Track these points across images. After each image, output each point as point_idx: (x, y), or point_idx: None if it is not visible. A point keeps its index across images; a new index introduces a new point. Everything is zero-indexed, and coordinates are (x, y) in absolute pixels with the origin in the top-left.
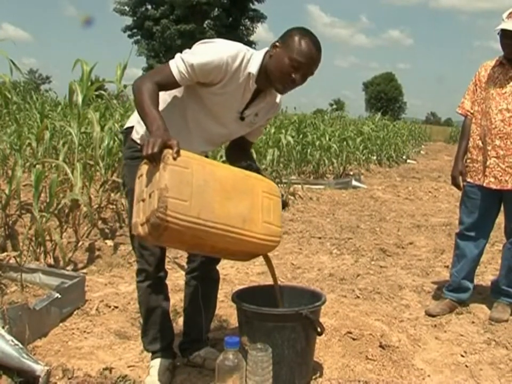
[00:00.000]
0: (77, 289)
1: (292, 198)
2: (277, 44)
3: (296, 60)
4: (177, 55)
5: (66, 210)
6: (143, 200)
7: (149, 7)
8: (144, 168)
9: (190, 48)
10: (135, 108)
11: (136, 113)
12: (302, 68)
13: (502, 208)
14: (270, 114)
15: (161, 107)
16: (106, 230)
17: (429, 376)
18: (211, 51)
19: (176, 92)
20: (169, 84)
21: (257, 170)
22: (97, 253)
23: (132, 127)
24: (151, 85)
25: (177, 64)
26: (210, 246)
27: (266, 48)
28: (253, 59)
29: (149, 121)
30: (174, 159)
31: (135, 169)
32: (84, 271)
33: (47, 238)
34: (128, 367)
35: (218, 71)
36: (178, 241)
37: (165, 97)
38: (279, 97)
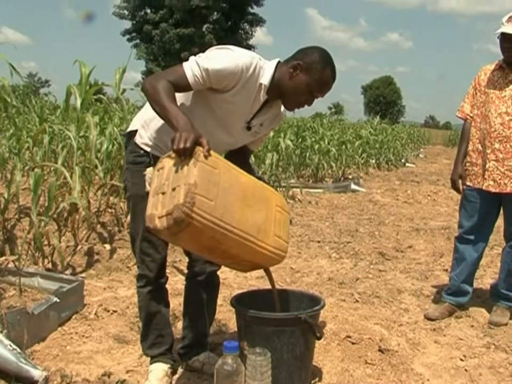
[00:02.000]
0: (75, 293)
1: (291, 201)
2: (299, 65)
3: (315, 89)
4: (192, 58)
5: (65, 214)
6: (163, 193)
7: (148, 11)
8: (166, 161)
9: (189, 51)
10: (141, 110)
11: (140, 116)
12: (318, 95)
13: (501, 212)
14: (274, 124)
15: None
16: (105, 234)
17: (428, 380)
18: (226, 57)
19: (184, 99)
20: (181, 86)
21: (260, 179)
22: (95, 257)
23: (135, 131)
24: (166, 82)
25: (192, 67)
26: (223, 251)
27: (278, 59)
28: (265, 70)
29: (172, 117)
30: (205, 157)
31: (138, 174)
32: (83, 275)
33: (46, 242)
34: (127, 371)
35: (232, 78)
36: (194, 240)
37: None
38: (283, 107)
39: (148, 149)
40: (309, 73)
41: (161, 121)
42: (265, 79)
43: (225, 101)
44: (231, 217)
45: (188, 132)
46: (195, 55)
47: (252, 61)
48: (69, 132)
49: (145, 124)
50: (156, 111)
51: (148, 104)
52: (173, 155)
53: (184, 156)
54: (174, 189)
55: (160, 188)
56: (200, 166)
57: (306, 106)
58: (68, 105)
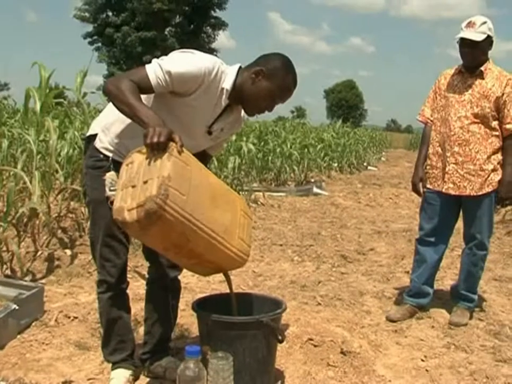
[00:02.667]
0: (35, 300)
1: (254, 205)
2: (261, 71)
3: (277, 95)
4: (154, 61)
5: (25, 220)
6: (133, 186)
7: (110, 13)
8: (136, 156)
9: (151, 55)
10: (100, 114)
11: (99, 120)
12: (279, 101)
13: (461, 214)
14: (233, 129)
15: (127, 119)
16: (66, 239)
17: (390, 381)
18: (189, 61)
19: (145, 102)
20: (143, 87)
21: None
22: (56, 262)
23: (95, 135)
24: (130, 82)
25: (155, 70)
26: (190, 249)
27: (239, 64)
28: (227, 74)
29: (142, 114)
30: (179, 152)
31: (97, 179)
32: (43, 281)
33: (4, 248)
34: (88, 379)
35: (195, 82)
36: (163, 236)
37: None
38: (243, 112)
39: (108, 154)
40: (271, 79)
41: (122, 126)
42: (227, 83)
43: (186, 104)
44: (201, 214)
45: (161, 127)
46: (158, 58)
47: (214, 65)
48: (29, 136)
49: (105, 128)
50: (122, 110)
51: (107, 108)
52: (144, 150)
53: (157, 150)
54: (145, 182)
55: (130, 181)
56: (173, 161)
57: (266, 112)
58: (27, 109)
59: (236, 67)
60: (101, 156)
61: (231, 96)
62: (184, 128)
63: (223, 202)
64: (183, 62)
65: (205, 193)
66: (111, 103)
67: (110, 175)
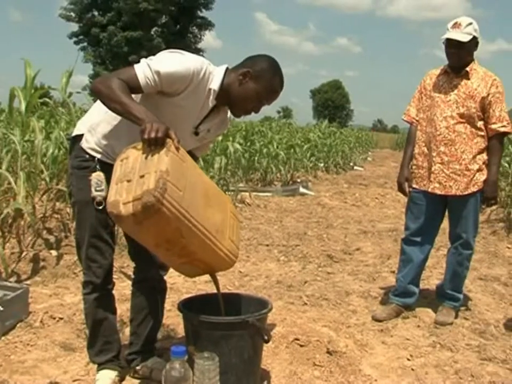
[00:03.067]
0: (20, 301)
1: (240, 205)
2: (248, 72)
3: (264, 97)
4: (143, 61)
5: (10, 220)
6: (129, 181)
7: (96, 13)
8: (131, 151)
9: (137, 55)
10: (86, 114)
11: (85, 121)
12: (265, 103)
13: (446, 214)
14: (219, 130)
15: (114, 118)
16: (51, 240)
17: (376, 380)
18: (178, 61)
19: None
20: (132, 87)
21: None
22: (41, 263)
23: (80, 135)
24: (119, 81)
25: (143, 69)
26: (182, 246)
27: (226, 66)
28: (215, 75)
29: (135, 111)
30: (176, 149)
31: (83, 179)
32: (28, 282)
33: None
34: (74, 381)
35: (183, 82)
36: (158, 231)
37: None
38: (229, 113)
39: (94, 154)
40: (258, 81)
41: (108, 126)
42: (214, 84)
43: (174, 104)
44: (196, 212)
45: (158, 122)
46: (146, 57)
47: (202, 66)
48: (13, 136)
49: (92, 129)
50: (114, 109)
51: (93, 108)
52: (139, 146)
53: (155, 145)
54: (142, 176)
55: (125, 176)
56: (171, 156)
57: (253, 113)
58: (12, 108)
59: (223, 68)
60: (87, 156)
61: (218, 97)
62: (171, 128)
63: (215, 203)
64: (172, 62)
65: (199, 192)
66: (96, 103)
67: (96, 176)
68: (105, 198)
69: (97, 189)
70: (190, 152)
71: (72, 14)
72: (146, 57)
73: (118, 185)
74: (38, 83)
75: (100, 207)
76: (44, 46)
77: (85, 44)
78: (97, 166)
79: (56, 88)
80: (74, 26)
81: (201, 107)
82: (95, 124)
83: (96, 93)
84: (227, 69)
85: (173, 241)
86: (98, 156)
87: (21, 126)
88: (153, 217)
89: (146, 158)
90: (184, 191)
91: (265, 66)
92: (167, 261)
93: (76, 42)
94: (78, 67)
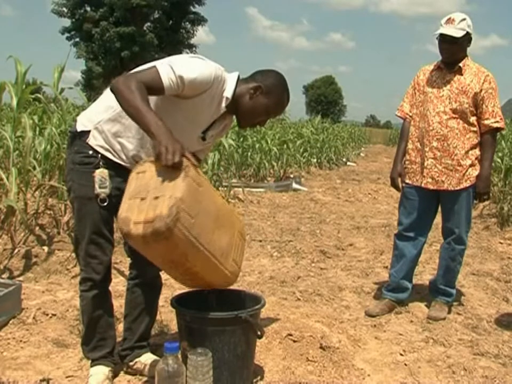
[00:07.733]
0: (12, 297)
1: (233, 201)
2: (259, 87)
3: (272, 111)
4: (165, 63)
5: (2, 217)
6: (142, 199)
7: (88, 9)
8: (149, 165)
9: (130, 50)
10: (91, 109)
11: (92, 117)
12: (272, 117)
13: (439, 209)
14: (220, 136)
15: (125, 118)
16: (44, 236)
17: (369, 375)
18: (200, 66)
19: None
20: (154, 89)
21: None
22: (34, 259)
23: (87, 132)
24: (140, 84)
25: (167, 72)
26: (187, 268)
27: (237, 73)
28: (227, 83)
29: (150, 124)
30: (193, 174)
31: (86, 175)
32: (20, 278)
33: None
34: (67, 376)
35: (204, 87)
36: (165, 253)
37: None
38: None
39: (103, 152)
40: (268, 96)
41: (117, 125)
42: (228, 92)
43: (188, 109)
44: (205, 237)
45: (173, 144)
46: (136, 53)
47: (221, 73)
48: (5, 132)
49: (99, 126)
50: (128, 112)
51: (100, 104)
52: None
53: (175, 169)
54: (156, 198)
55: (139, 193)
56: (188, 182)
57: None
58: (0, 101)
59: (235, 76)
60: (90, 152)
61: (228, 105)
62: (182, 132)
63: (224, 224)
64: (194, 67)
65: (211, 216)
66: (103, 100)
67: (99, 172)
68: (108, 195)
69: (101, 186)
70: (194, 155)
71: (64, 10)
72: (138, 52)
73: (131, 201)
74: (30, 78)
75: (104, 204)
76: (35, 41)
77: (77, 39)
78: (101, 163)
79: (48, 84)
80: (67, 22)
81: (212, 113)
82: (103, 121)
83: (115, 93)
84: (238, 77)
85: (177, 263)
86: (106, 153)
87: (13, 122)
88: (161, 242)
89: (163, 178)
90: (196, 218)
91: (276, 82)
92: (169, 273)
93: (68, 38)
94: (70, 63)
